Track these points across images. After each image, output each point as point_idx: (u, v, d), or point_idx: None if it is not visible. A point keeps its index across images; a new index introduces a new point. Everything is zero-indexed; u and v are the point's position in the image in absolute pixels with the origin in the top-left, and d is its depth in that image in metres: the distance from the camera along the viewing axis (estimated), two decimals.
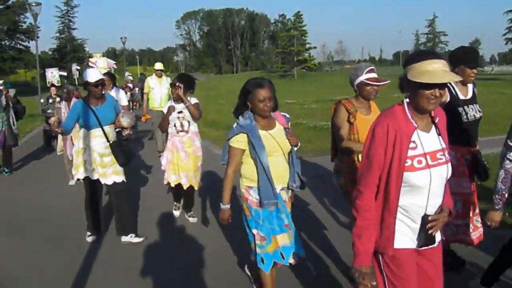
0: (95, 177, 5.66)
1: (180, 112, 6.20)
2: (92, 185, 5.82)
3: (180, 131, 6.23)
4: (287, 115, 4.25)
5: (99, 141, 5.61)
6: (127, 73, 24.33)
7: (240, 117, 3.86)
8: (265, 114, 3.81)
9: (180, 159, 6.25)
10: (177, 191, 6.59)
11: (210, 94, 37.19)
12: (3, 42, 49.53)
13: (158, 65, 11.82)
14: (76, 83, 14.11)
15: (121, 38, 48.42)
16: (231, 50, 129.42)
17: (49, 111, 12.25)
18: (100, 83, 5.59)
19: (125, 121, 5.69)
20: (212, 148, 12.22)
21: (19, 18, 48.98)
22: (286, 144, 3.92)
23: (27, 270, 5.06)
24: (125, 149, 5.79)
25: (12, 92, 9.82)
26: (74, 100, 8.32)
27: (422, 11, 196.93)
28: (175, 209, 6.86)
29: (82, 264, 5.14)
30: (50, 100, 12.71)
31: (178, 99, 6.16)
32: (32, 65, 47.49)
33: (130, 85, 21.43)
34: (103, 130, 5.59)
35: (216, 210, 6.59)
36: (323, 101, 29.60)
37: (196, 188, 6.55)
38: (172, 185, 6.38)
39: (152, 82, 11.53)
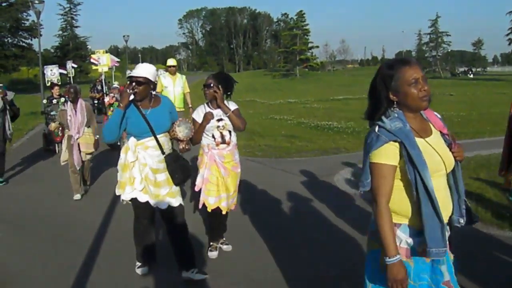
0: (145, 198, 4.52)
1: (220, 120, 5.07)
2: (142, 208, 4.65)
3: (221, 142, 5.08)
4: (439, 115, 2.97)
5: (152, 153, 4.46)
6: (128, 71, 23.55)
7: (383, 118, 2.59)
8: (423, 105, 2.64)
9: (221, 177, 5.10)
10: (214, 218, 5.29)
11: None
12: (5, 40, 49.51)
13: (171, 61, 10.75)
14: (71, 81, 13.50)
15: (124, 36, 48.36)
16: (234, 48, 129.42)
17: (52, 113, 11.64)
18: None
19: (181, 131, 4.61)
20: None
21: (21, 15, 48.95)
22: (450, 159, 2.69)
23: (29, 268, 5.06)
24: (183, 164, 4.61)
25: (10, 95, 9.05)
26: (81, 101, 7.99)
27: (425, 11, 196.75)
28: (211, 250, 5.36)
29: (83, 263, 5.13)
30: (54, 101, 12.01)
31: (214, 103, 5.09)
32: (34, 62, 47.48)
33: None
34: (156, 139, 4.46)
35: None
36: (325, 100, 29.61)
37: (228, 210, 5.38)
38: (210, 209, 5.12)
39: (165, 80, 10.32)
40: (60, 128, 8.83)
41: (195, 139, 5.02)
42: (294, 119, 18.59)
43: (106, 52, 17.68)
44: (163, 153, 4.49)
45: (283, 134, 14.68)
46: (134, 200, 4.57)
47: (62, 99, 11.48)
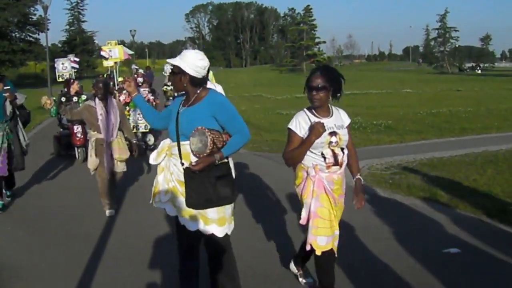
0: (173, 212, 3.73)
1: (334, 133, 3.76)
2: (176, 223, 3.82)
3: (333, 164, 3.81)
4: None
5: (176, 161, 3.67)
6: (133, 65, 21.01)
7: None
8: None
9: (333, 209, 3.84)
10: (324, 262, 3.88)
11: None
12: (13, 34, 49.61)
13: None
14: (73, 77, 12.27)
15: (131, 30, 48.40)
16: (241, 43, 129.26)
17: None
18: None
19: (193, 143, 3.51)
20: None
21: (29, 10, 49.02)
22: None
23: (37, 263, 5.08)
24: (210, 182, 3.55)
25: (21, 99, 7.38)
26: (112, 98, 6.86)
27: (433, 6, 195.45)
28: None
29: (90, 258, 5.14)
30: (74, 99, 10.38)
31: (321, 110, 3.84)
32: (42, 57, 47.66)
33: (140, 79, 16.67)
34: (178, 145, 3.62)
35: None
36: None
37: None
38: (320, 252, 3.76)
39: None
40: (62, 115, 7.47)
41: (296, 159, 3.82)
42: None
43: (118, 43, 14.87)
44: (182, 163, 3.58)
45: None
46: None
47: (84, 97, 10.38)
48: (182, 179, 3.58)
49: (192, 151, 3.51)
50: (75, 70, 13.16)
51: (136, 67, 19.09)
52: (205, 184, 3.51)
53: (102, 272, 4.82)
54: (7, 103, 6.86)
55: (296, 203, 7.00)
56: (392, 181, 8.06)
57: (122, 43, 13.51)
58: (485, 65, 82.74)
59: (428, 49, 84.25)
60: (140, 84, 12.61)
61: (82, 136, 9.90)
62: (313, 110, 3.85)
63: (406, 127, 14.92)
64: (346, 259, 4.84)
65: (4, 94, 6.82)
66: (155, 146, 10.82)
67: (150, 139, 11.36)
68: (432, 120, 16.47)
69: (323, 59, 78.74)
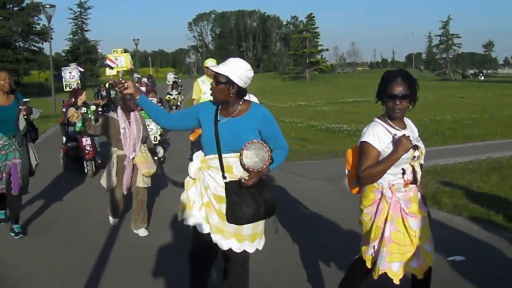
0: (206, 229, 3.50)
1: (416, 147, 3.38)
2: (201, 240, 3.60)
3: (411, 182, 3.39)
4: None
5: (214, 175, 3.43)
6: (135, 74, 20.39)
7: None
8: None
9: (411, 231, 3.37)
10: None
11: None
12: (17, 44, 49.84)
13: (211, 62, 8.66)
14: (80, 86, 11.07)
15: (134, 39, 48.65)
16: (243, 51, 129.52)
17: (79, 124, 8.24)
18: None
19: (248, 157, 3.31)
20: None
21: (33, 20, 49.22)
22: None
23: (40, 268, 5.09)
24: (253, 199, 3.39)
25: (36, 113, 6.47)
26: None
27: (435, 13, 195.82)
28: None
29: (94, 265, 5.15)
30: (83, 109, 9.36)
31: (399, 121, 3.46)
32: (46, 66, 47.72)
33: (143, 88, 16.49)
34: (220, 158, 3.39)
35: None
36: (335, 103, 29.55)
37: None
38: (397, 280, 3.47)
39: (204, 85, 8.56)
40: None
41: (376, 177, 3.32)
42: (304, 122, 18.52)
43: (124, 51, 14.50)
44: (224, 177, 3.38)
45: (293, 137, 14.65)
46: (195, 228, 3.58)
47: (92, 107, 9.97)
48: (220, 193, 3.40)
49: (243, 164, 3.30)
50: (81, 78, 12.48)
51: (138, 75, 18.47)
52: (252, 198, 3.37)
53: (106, 279, 4.83)
54: (21, 117, 6.04)
55: (300, 212, 7.01)
56: None
57: (125, 51, 12.99)
58: (488, 71, 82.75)
59: (431, 56, 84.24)
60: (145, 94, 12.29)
61: (91, 149, 9.49)
62: (389, 121, 3.43)
63: None
64: (348, 266, 4.83)
65: (20, 107, 6.07)
66: (164, 159, 10.75)
67: (160, 151, 10.57)
68: (435, 127, 16.46)
69: (326, 67, 78.98)
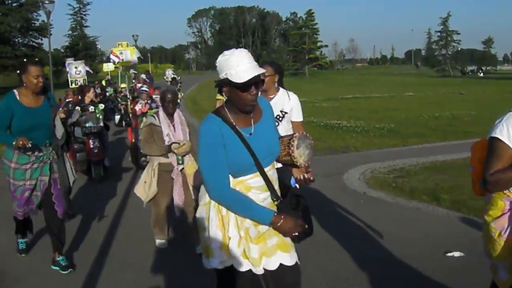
0: (246, 265, 2.83)
1: None
2: (238, 282, 2.92)
3: None
4: None
5: (257, 196, 2.82)
6: (132, 70, 17.64)
7: None
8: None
9: None
10: None
11: None
12: (16, 40, 49.79)
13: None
14: (70, 85, 10.75)
15: (133, 35, 48.35)
16: (243, 48, 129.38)
17: (89, 124, 8.55)
18: (255, 82, 2.71)
19: (302, 154, 2.91)
20: None
21: (32, 15, 49.22)
22: None
23: (40, 267, 5.07)
24: (305, 210, 2.97)
25: (75, 115, 5.98)
26: (179, 112, 5.46)
27: (434, 10, 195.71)
28: None
29: (94, 263, 5.15)
30: (91, 108, 8.62)
31: None
32: (44, 62, 47.79)
33: (140, 85, 12.95)
34: (264, 176, 2.81)
35: None
36: (334, 99, 29.54)
37: None
38: None
39: None
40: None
41: (506, 184, 2.72)
42: (303, 118, 18.44)
43: (128, 45, 12.72)
44: (275, 197, 2.86)
45: None
46: (226, 270, 2.87)
47: (101, 106, 8.90)
48: None
49: (300, 164, 2.90)
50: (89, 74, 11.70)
51: (135, 71, 17.06)
52: (307, 210, 2.97)
53: (106, 276, 4.82)
54: (58, 122, 4.90)
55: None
56: (395, 184, 8.04)
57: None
58: (487, 68, 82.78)
59: (430, 52, 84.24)
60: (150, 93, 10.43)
61: (99, 152, 8.72)
62: None
63: (408, 130, 14.91)
64: (348, 263, 4.83)
65: (60, 108, 5.14)
66: None
67: None
68: (434, 123, 16.46)
69: (325, 63, 79.06)
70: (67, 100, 9.49)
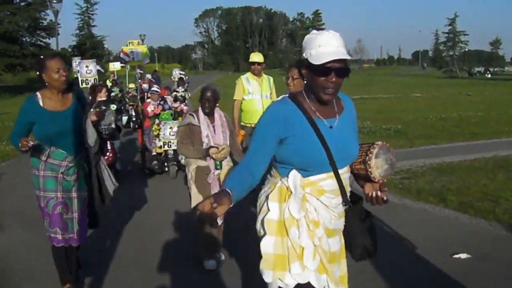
0: (323, 281, 2.49)
1: None
2: None
3: None
4: None
5: (329, 201, 2.48)
6: (138, 70, 15.98)
7: None
8: None
9: None
10: None
11: (228, 92, 37.20)
12: (24, 39, 49.95)
13: (256, 57, 7.45)
14: (79, 83, 10.04)
15: (140, 35, 48.50)
16: (249, 48, 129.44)
17: (104, 126, 6.84)
18: (337, 69, 2.37)
19: (380, 166, 2.51)
20: None
21: (40, 15, 49.35)
22: None
23: (47, 265, 5.07)
24: (372, 225, 2.80)
25: (108, 117, 5.61)
26: (220, 112, 4.99)
27: (442, 10, 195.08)
28: None
29: (99, 261, 5.16)
30: (103, 107, 7.76)
31: None
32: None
33: (145, 86, 14.21)
34: (338, 177, 2.48)
35: None
36: None
37: None
38: None
39: (248, 84, 7.38)
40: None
41: None
42: None
43: (139, 44, 12.06)
44: (346, 202, 2.54)
45: None
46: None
47: (113, 106, 8.86)
48: (334, 226, 2.53)
49: (373, 177, 2.51)
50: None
51: (140, 71, 16.37)
52: (375, 227, 2.76)
53: (111, 275, 4.83)
54: (90, 126, 4.25)
55: None
56: (402, 185, 8.02)
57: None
58: (495, 69, 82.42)
59: (438, 53, 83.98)
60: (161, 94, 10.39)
61: (110, 154, 8.34)
62: None
63: (415, 131, 14.84)
64: (353, 264, 4.82)
65: (92, 109, 4.34)
66: None
67: (183, 157, 8.99)
68: (441, 124, 16.38)
69: None
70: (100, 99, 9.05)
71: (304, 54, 2.41)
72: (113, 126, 8.38)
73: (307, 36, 2.46)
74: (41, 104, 4.01)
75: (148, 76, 18.50)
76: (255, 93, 7.31)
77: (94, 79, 9.80)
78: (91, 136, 4.23)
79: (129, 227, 6.36)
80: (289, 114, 2.42)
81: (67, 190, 4.13)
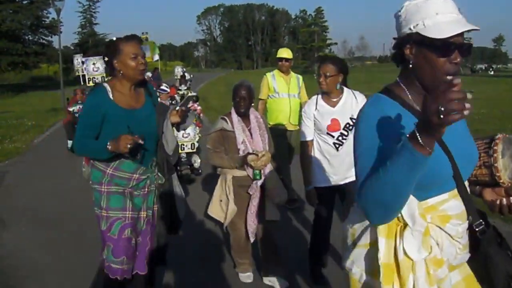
0: None
1: None
2: None
3: None
4: None
5: (455, 231, 1.83)
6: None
7: None
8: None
9: None
10: None
11: (230, 90, 37.10)
12: (26, 37, 49.94)
13: (285, 52, 6.82)
14: (81, 81, 9.63)
15: (143, 33, 48.44)
16: (252, 45, 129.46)
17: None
18: (460, 46, 1.79)
19: (507, 165, 1.98)
20: None
21: (42, 13, 49.32)
22: None
23: (52, 263, 5.10)
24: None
25: (192, 117, 4.14)
26: (255, 114, 4.47)
27: None
28: None
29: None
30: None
31: None
32: (54, 59, 47.85)
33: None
34: (464, 193, 1.88)
35: None
36: None
37: None
38: None
39: (275, 82, 6.72)
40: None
41: None
42: None
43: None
44: (476, 221, 1.94)
45: None
46: None
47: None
48: (459, 261, 1.91)
49: (503, 182, 1.99)
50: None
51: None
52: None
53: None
54: (169, 130, 3.44)
55: (304, 207, 6.98)
56: None
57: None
58: (498, 66, 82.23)
59: None
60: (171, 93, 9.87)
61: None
62: None
63: None
64: None
65: (176, 109, 3.48)
66: (201, 171, 8.59)
67: (196, 161, 8.49)
68: None
69: None
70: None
71: (412, 27, 1.79)
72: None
73: (411, 3, 1.82)
74: (111, 97, 3.22)
75: (149, 74, 18.32)
76: (283, 92, 6.69)
77: (102, 77, 9.49)
78: (171, 142, 3.43)
79: None
80: (397, 115, 1.76)
81: (137, 207, 3.41)
